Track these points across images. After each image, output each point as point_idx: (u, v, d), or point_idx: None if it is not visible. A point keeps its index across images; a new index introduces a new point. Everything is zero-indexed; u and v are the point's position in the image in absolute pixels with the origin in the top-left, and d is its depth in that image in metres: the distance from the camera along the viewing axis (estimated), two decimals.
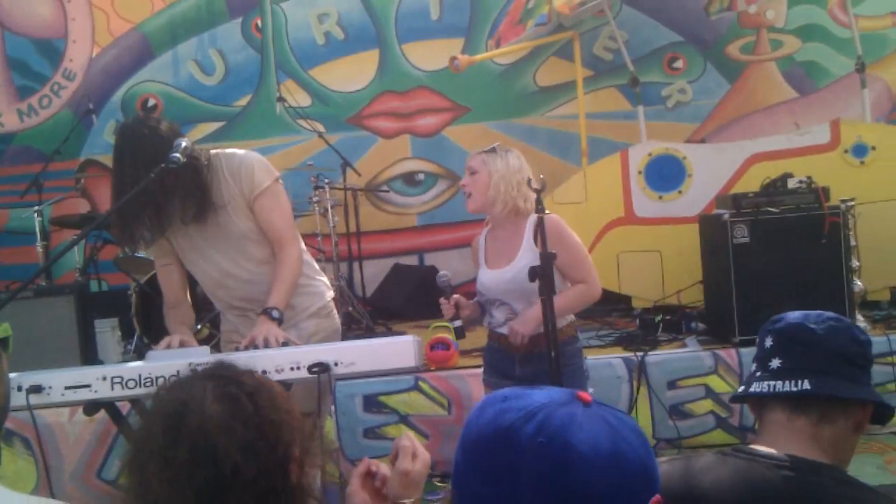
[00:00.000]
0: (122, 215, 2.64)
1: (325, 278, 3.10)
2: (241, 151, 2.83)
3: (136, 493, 1.13)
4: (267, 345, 2.44)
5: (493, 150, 3.09)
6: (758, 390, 1.46)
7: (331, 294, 3.07)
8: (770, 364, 1.47)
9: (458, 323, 3.02)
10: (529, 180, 2.99)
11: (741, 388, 1.53)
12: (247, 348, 2.45)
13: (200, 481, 1.09)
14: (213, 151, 2.80)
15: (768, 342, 1.50)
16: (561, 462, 0.95)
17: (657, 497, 1.00)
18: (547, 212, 2.99)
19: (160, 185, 2.58)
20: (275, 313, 2.60)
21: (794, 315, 1.50)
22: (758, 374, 1.49)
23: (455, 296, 3.02)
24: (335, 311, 3.09)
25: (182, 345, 2.63)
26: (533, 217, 3.02)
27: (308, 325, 2.92)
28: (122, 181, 2.61)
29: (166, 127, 2.69)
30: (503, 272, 3.01)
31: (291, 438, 1.16)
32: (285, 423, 1.17)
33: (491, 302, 3.08)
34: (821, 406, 1.41)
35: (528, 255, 2.98)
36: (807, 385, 1.40)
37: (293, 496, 1.16)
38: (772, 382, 1.45)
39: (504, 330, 3.02)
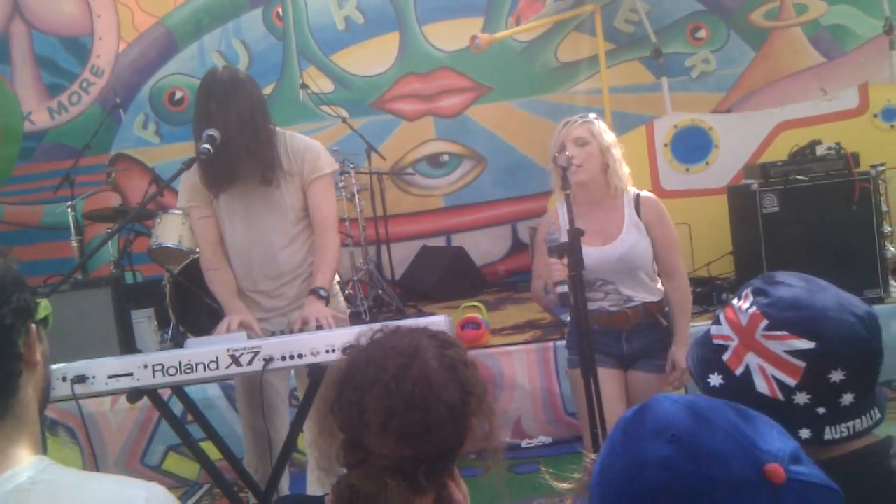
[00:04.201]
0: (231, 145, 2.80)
1: None
2: (306, 137, 3.06)
3: (347, 406, 1.27)
4: (319, 326, 2.60)
5: (594, 119, 2.87)
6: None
7: (336, 277, 3.18)
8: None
9: (564, 288, 2.59)
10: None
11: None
12: (301, 330, 2.61)
13: (408, 419, 1.23)
14: (277, 129, 2.97)
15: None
16: None
17: None
18: (642, 191, 2.96)
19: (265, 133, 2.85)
20: (322, 292, 2.80)
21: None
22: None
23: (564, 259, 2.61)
24: (340, 294, 3.22)
25: (242, 325, 2.74)
26: (632, 192, 2.92)
27: None
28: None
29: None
30: (610, 249, 2.82)
31: (479, 411, 1.30)
32: (483, 397, 1.31)
33: (590, 282, 2.77)
34: None
35: (632, 230, 2.86)
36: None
37: (455, 459, 1.31)
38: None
39: (598, 306, 2.81)
